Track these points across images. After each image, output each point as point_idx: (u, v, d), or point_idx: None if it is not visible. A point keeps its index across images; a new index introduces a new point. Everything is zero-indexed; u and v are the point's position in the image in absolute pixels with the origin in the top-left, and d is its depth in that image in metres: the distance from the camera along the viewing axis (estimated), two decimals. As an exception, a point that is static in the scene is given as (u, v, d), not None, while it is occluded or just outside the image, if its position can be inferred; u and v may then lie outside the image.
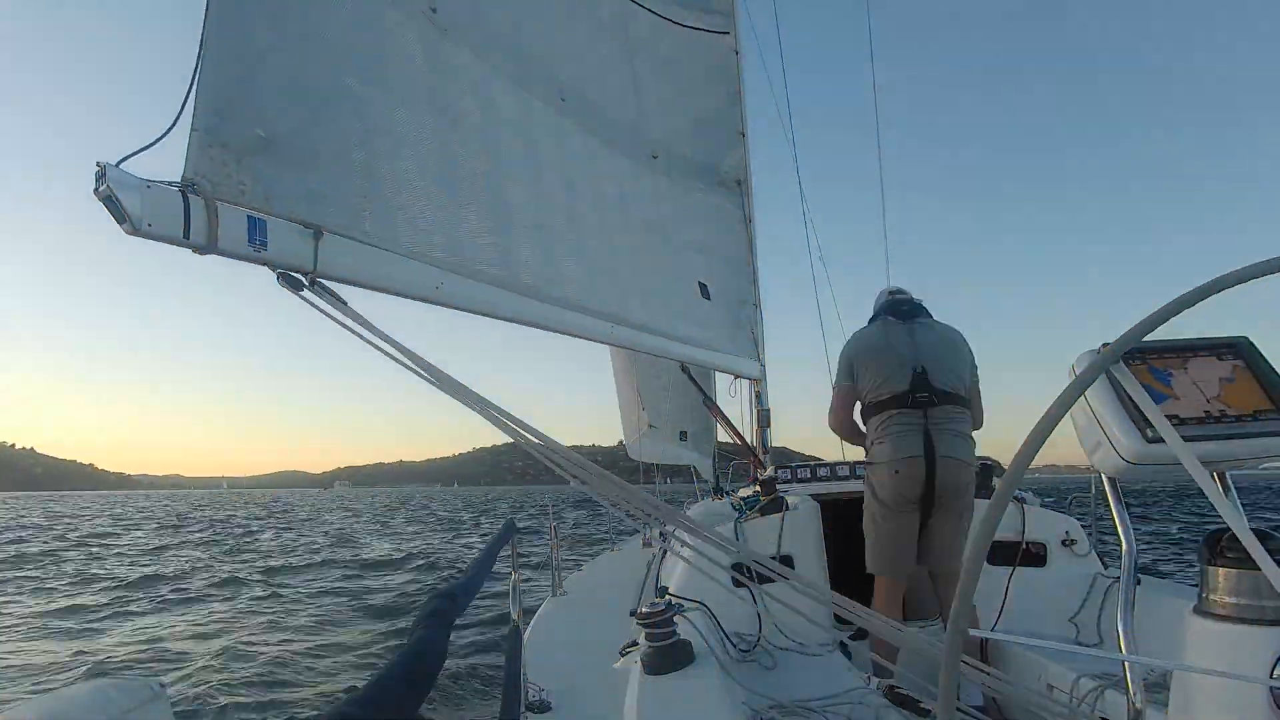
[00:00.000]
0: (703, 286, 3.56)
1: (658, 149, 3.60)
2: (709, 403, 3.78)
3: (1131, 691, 1.14)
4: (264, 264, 1.52)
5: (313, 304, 1.58)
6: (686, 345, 3.20)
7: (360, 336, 1.62)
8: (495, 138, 2.46)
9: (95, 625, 8.28)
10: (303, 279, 1.58)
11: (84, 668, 6.20)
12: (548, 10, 3.07)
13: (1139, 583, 1.21)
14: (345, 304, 1.62)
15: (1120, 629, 1.14)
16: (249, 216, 1.49)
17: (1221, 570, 1.00)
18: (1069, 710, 2.10)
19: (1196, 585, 1.06)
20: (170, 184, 1.39)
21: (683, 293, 3.37)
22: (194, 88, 1.50)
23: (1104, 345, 1.00)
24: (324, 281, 1.63)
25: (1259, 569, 0.89)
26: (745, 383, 3.95)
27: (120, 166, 1.32)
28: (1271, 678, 0.91)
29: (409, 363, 1.68)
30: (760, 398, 3.86)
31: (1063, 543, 3.09)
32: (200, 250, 1.42)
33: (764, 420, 3.83)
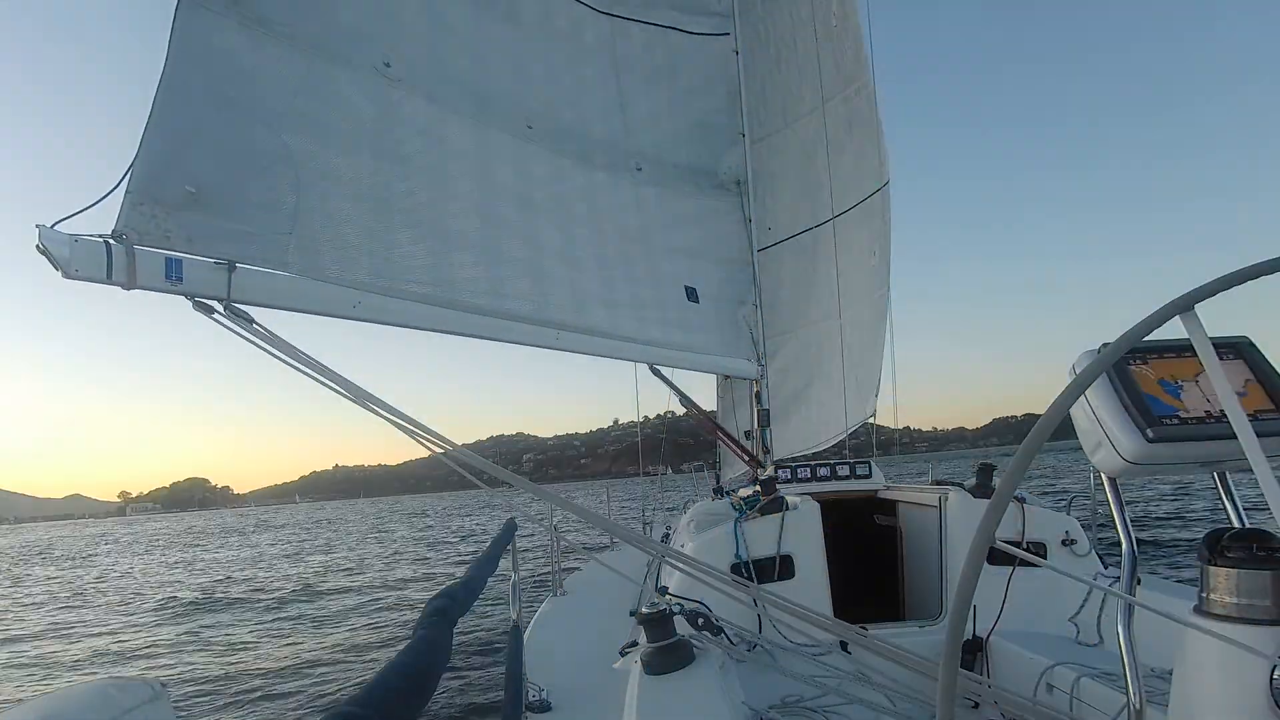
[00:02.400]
0: (689, 290, 3.63)
1: (644, 160, 3.72)
2: (685, 402, 3.81)
3: (1131, 691, 1.15)
4: (180, 294, 1.88)
5: (223, 325, 1.92)
6: (653, 347, 3.29)
7: (267, 352, 1.94)
8: (441, 172, 2.74)
9: None
10: (216, 305, 1.92)
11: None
12: (520, 46, 3.31)
13: (1139, 582, 1.21)
14: (253, 323, 1.94)
15: (1120, 629, 1.15)
16: (166, 257, 1.85)
17: (1221, 570, 1.00)
18: (1069, 711, 2.03)
19: (1197, 585, 1.06)
20: (98, 236, 1.77)
21: (661, 297, 3.46)
22: (136, 157, 1.89)
23: (1104, 345, 1.04)
24: (239, 305, 1.96)
25: (1259, 568, 0.93)
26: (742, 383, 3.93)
27: (59, 224, 1.73)
28: (1271, 677, 0.91)
29: (319, 376, 1.97)
30: (760, 397, 3.82)
31: (1063, 543, 2.99)
32: (125, 287, 1.80)
33: (764, 420, 3.79)
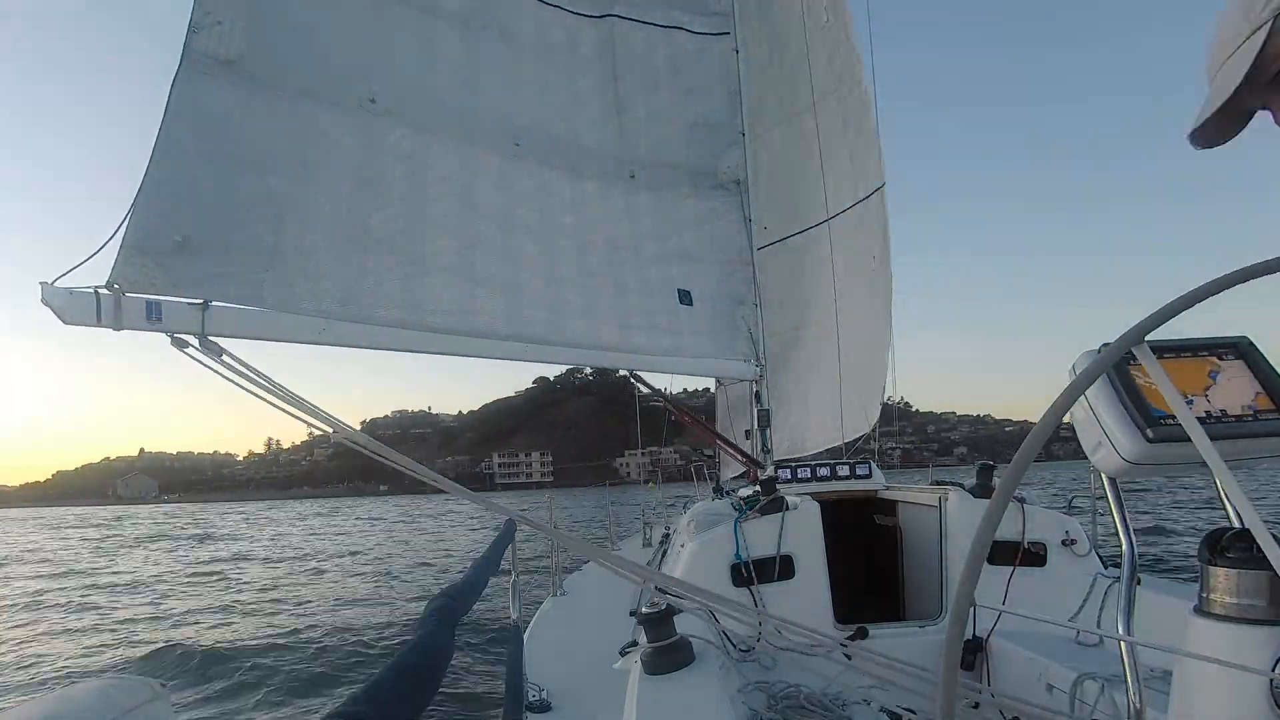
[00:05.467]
0: (683, 293, 3.65)
1: (638, 166, 3.78)
2: (673, 407, 3.81)
3: (1132, 691, 1.17)
4: (162, 332, 2.17)
5: (195, 359, 2.20)
6: (637, 354, 3.35)
7: (235, 384, 2.21)
8: (420, 197, 2.93)
9: None
10: (191, 340, 2.21)
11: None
12: (513, 65, 3.44)
13: (1139, 583, 1.23)
14: (222, 354, 2.21)
15: (1120, 629, 1.17)
16: (146, 301, 2.15)
17: (1221, 570, 1.02)
18: (1069, 711, 2.00)
19: (1197, 585, 1.08)
20: (89, 289, 2.09)
21: (650, 304, 3.52)
22: (129, 215, 2.21)
23: (1104, 345, 1.07)
24: (213, 339, 2.24)
25: (1259, 569, 0.95)
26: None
27: (60, 280, 2.06)
28: (1271, 677, 0.94)
29: (288, 406, 2.21)
30: (760, 398, 3.78)
31: (1063, 543, 2.96)
32: (114, 329, 2.11)
33: (764, 421, 3.75)
